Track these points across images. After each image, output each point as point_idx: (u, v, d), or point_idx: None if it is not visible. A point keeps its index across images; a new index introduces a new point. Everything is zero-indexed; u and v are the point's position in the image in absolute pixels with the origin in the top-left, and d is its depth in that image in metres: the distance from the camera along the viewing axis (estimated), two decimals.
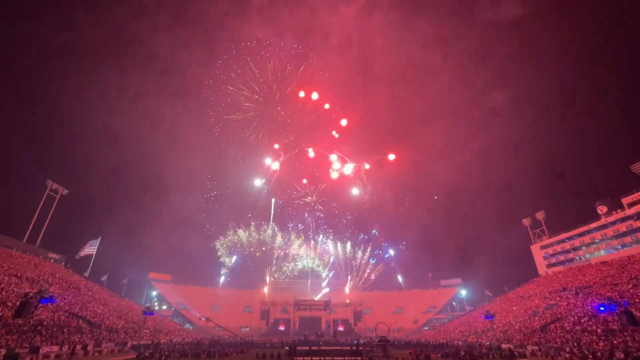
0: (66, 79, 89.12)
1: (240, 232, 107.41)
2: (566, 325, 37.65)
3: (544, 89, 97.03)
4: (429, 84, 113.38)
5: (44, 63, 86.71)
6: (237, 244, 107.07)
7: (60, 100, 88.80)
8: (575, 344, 31.67)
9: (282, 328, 79.67)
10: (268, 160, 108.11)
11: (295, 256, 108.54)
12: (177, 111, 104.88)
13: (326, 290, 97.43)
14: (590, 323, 34.80)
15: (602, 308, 27.67)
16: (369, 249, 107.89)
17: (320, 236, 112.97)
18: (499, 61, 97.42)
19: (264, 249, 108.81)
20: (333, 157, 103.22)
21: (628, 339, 27.52)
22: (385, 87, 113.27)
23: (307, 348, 37.34)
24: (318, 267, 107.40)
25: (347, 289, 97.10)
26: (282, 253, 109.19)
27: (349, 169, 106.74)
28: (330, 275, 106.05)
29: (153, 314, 48.12)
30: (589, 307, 37.79)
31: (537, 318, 45.19)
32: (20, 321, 27.00)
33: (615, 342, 28.51)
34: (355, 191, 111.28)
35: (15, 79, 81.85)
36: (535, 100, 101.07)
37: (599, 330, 32.16)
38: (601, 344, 29.49)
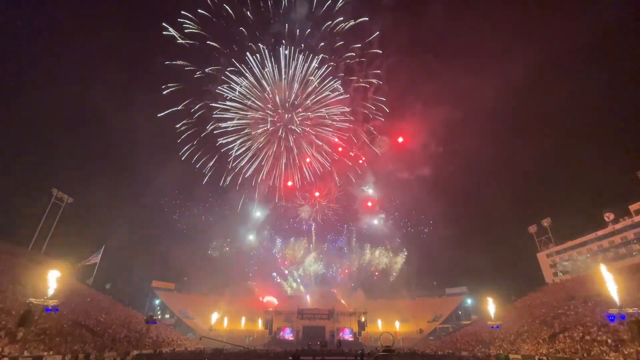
0: (71, 84, 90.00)
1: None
2: (575, 335, 36.91)
3: (546, 94, 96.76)
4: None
5: (47, 66, 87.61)
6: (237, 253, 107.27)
7: (65, 106, 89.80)
8: (585, 354, 31.01)
9: (285, 337, 78.80)
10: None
11: (300, 264, 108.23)
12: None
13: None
14: (600, 333, 34.09)
15: (611, 317, 27.12)
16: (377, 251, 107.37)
17: (325, 244, 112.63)
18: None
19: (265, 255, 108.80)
20: None
21: None
22: None
23: (311, 358, 36.92)
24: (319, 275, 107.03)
25: (351, 298, 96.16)
26: (286, 262, 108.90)
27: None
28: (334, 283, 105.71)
29: (156, 322, 47.84)
30: (599, 317, 37.05)
31: (545, 328, 44.33)
32: (23, 330, 27.00)
33: (626, 352, 27.87)
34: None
35: (17, 82, 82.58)
36: (539, 105, 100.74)
37: (609, 340, 31.48)
38: (612, 354, 28.84)
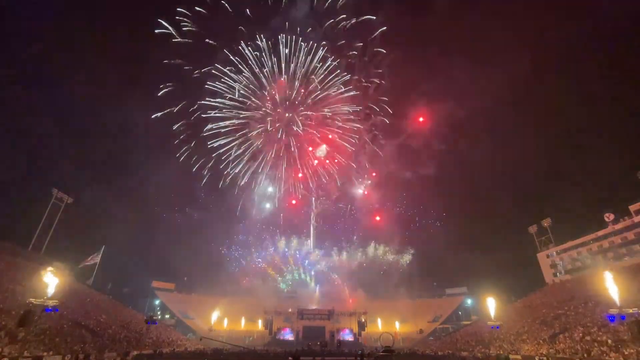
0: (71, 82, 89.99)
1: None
2: (575, 335, 36.89)
3: (546, 94, 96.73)
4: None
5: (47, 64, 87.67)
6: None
7: (65, 106, 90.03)
8: (585, 354, 30.99)
9: (285, 337, 78.71)
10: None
11: (299, 264, 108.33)
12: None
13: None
14: (600, 333, 34.07)
15: (611, 318, 27.10)
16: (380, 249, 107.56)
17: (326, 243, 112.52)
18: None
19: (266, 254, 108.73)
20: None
21: None
22: None
23: (311, 358, 36.95)
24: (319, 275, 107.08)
25: (351, 298, 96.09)
26: (287, 260, 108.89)
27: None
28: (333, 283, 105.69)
29: (156, 323, 47.84)
30: (599, 317, 37.02)
31: (545, 328, 44.31)
32: (23, 330, 27.00)
33: (626, 353, 27.85)
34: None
35: (16, 83, 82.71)
36: (539, 105, 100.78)
37: (609, 340, 31.45)
38: (612, 355, 28.82)
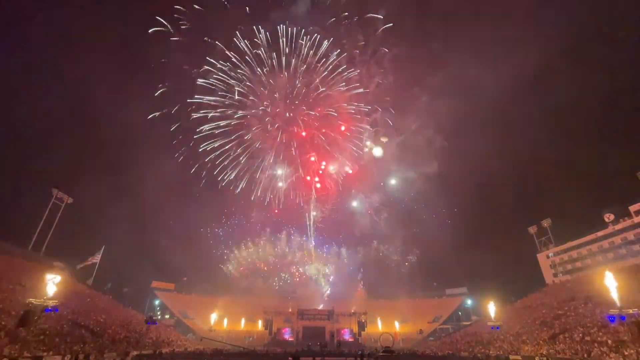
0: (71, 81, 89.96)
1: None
2: (575, 336, 36.87)
3: (547, 93, 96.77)
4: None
5: (46, 64, 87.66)
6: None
7: (65, 106, 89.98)
8: (585, 355, 30.97)
9: (285, 338, 78.67)
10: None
11: (299, 264, 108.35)
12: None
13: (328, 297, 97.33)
14: (600, 334, 34.04)
15: (611, 318, 27.07)
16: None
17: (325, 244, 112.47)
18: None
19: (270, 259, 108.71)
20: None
21: None
22: None
23: (311, 359, 36.93)
24: (320, 276, 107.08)
25: (351, 298, 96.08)
26: (286, 261, 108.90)
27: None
28: (333, 283, 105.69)
29: (155, 323, 47.79)
30: (599, 317, 36.99)
31: (545, 328, 44.28)
32: (23, 330, 26.98)
33: (626, 353, 27.83)
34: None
35: (17, 83, 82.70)
36: (539, 106, 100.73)
37: (609, 341, 31.43)
38: (612, 355, 28.81)
